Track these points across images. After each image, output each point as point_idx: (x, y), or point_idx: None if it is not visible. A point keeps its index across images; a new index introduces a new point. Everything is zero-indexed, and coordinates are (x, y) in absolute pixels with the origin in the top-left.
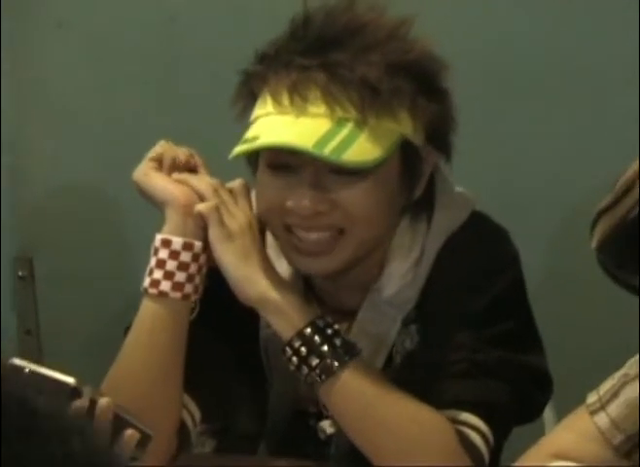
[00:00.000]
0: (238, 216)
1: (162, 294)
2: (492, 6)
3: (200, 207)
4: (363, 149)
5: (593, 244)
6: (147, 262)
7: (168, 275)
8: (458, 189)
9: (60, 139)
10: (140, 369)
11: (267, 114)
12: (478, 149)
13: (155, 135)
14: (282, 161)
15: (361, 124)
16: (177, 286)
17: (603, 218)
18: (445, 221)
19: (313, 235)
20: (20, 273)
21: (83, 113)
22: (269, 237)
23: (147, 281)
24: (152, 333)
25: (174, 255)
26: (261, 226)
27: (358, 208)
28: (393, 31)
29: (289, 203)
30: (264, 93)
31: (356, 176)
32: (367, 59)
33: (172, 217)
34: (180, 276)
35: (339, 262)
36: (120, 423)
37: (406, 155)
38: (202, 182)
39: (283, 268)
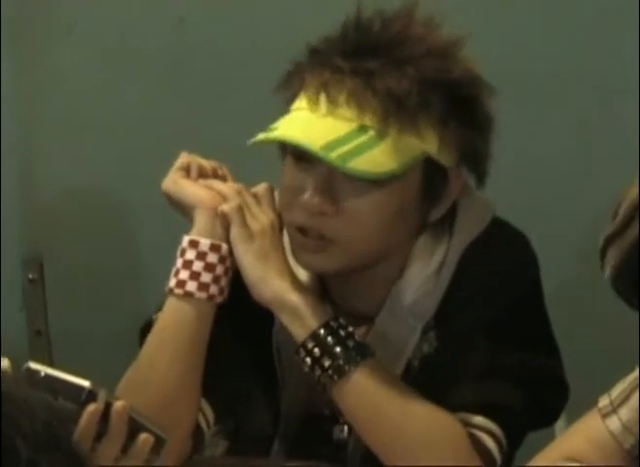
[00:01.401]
0: (260, 217)
1: (188, 294)
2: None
3: (224, 207)
4: (376, 159)
5: (606, 275)
6: (157, 264)
7: (195, 276)
8: (478, 195)
9: (71, 142)
10: (164, 367)
11: (300, 108)
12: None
13: (165, 137)
14: (301, 155)
15: (382, 134)
16: (203, 286)
17: (612, 246)
18: (467, 228)
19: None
20: (31, 276)
21: (93, 116)
22: (286, 239)
23: (173, 281)
24: (177, 332)
25: (201, 256)
26: (282, 227)
27: (361, 219)
28: (436, 48)
29: (299, 197)
30: (302, 86)
31: (369, 185)
32: (399, 71)
33: (200, 219)
34: (206, 277)
35: (334, 264)
36: (135, 426)
37: (428, 173)
38: (227, 185)
39: (300, 270)
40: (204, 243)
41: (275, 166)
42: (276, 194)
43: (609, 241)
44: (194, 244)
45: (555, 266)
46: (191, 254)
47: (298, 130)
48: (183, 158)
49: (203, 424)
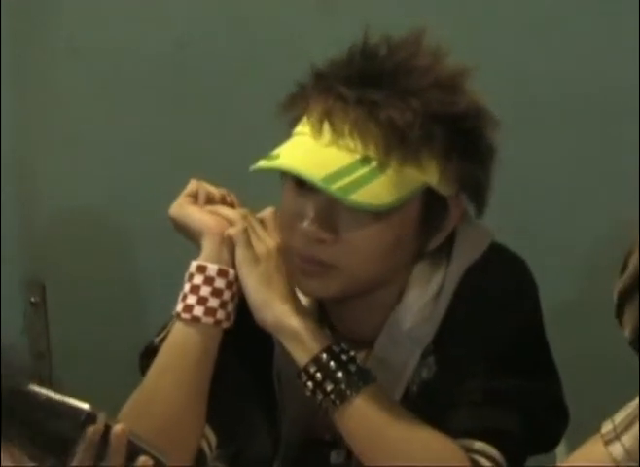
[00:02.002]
0: (266, 241)
1: (195, 319)
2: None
3: (230, 231)
4: (377, 192)
5: (626, 334)
6: (158, 286)
7: (202, 301)
8: (476, 221)
9: (70, 163)
10: (169, 391)
11: (303, 134)
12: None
13: (165, 159)
14: (302, 182)
15: (383, 166)
16: (210, 312)
17: (629, 304)
18: (465, 254)
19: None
20: (32, 299)
21: (95, 138)
22: None
23: (180, 306)
24: (183, 356)
25: (209, 281)
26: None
27: (360, 248)
28: (442, 79)
29: (299, 224)
30: (307, 112)
31: (369, 216)
32: (403, 103)
33: (208, 245)
34: (213, 302)
35: (332, 290)
36: (134, 450)
37: (428, 203)
38: (233, 211)
39: (300, 293)
40: (212, 268)
41: (276, 189)
42: None
43: (624, 298)
44: (201, 269)
45: (554, 290)
46: (198, 279)
47: (300, 160)
48: (192, 184)
49: (206, 448)
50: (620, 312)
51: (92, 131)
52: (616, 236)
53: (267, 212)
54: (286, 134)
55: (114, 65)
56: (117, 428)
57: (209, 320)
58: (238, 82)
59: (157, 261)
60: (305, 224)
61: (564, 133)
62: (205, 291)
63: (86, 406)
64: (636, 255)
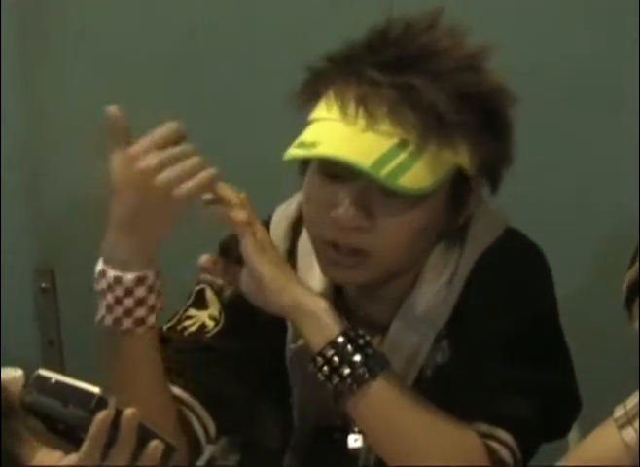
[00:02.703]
0: (266, 231)
1: (127, 331)
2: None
3: (237, 217)
4: (417, 176)
5: (636, 327)
6: (168, 272)
7: (127, 313)
8: (491, 206)
9: (80, 151)
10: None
11: (331, 119)
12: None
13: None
14: (336, 171)
15: (421, 149)
16: (139, 321)
17: (638, 298)
18: (479, 238)
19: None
20: (43, 285)
21: (101, 124)
22: (300, 251)
23: (109, 318)
24: (130, 367)
25: (129, 292)
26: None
27: (395, 234)
28: (467, 60)
29: (333, 213)
30: (329, 96)
31: (404, 201)
32: (438, 86)
33: (111, 242)
34: (140, 312)
35: (364, 277)
36: (145, 434)
37: (456, 185)
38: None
39: (314, 279)
40: (128, 279)
41: (287, 180)
42: (294, 200)
43: (633, 290)
44: (117, 280)
45: (569, 276)
46: (119, 290)
47: (342, 147)
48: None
49: (201, 433)
50: (629, 304)
51: (100, 118)
52: (632, 223)
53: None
54: (298, 121)
55: (124, 53)
56: (128, 412)
57: (141, 329)
58: (249, 69)
59: (165, 246)
60: (341, 211)
61: (579, 118)
62: (128, 303)
63: (97, 390)
64: None
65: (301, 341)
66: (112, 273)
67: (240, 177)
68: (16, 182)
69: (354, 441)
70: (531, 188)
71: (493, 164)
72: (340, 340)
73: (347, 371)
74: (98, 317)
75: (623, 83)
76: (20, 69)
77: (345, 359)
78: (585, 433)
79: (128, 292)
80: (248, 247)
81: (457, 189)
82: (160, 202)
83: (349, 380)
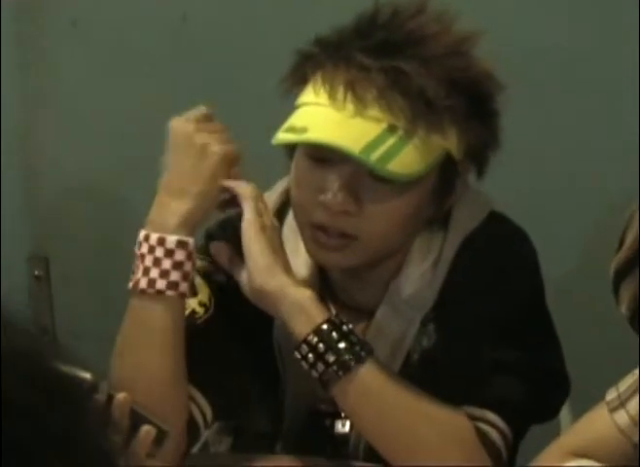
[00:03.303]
0: (271, 217)
1: (159, 292)
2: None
3: (244, 191)
4: (406, 161)
5: (623, 311)
6: None
7: (164, 274)
8: (475, 189)
9: (74, 139)
10: (150, 367)
11: (320, 104)
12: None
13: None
14: (324, 155)
15: (410, 134)
16: (172, 285)
17: (624, 282)
18: (463, 221)
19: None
20: (36, 273)
21: (97, 112)
22: (285, 237)
23: (144, 281)
24: (153, 332)
25: (169, 253)
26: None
27: (383, 219)
28: (455, 46)
29: (321, 197)
30: (317, 80)
31: (392, 186)
32: (427, 72)
33: (158, 207)
34: (175, 275)
35: (352, 261)
36: (137, 419)
37: (444, 170)
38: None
39: (300, 264)
40: (171, 241)
41: (280, 162)
42: (279, 185)
43: (620, 275)
44: (160, 242)
45: (555, 259)
46: (159, 252)
47: (331, 132)
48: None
49: (200, 420)
50: (616, 289)
51: (95, 105)
52: (623, 205)
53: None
54: (289, 106)
55: (117, 38)
56: (119, 397)
57: (173, 293)
58: (242, 54)
59: None
60: (330, 195)
61: (570, 99)
62: (167, 264)
63: (87, 375)
64: (633, 231)
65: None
66: (155, 235)
67: None
68: (11, 170)
69: (342, 426)
70: (521, 173)
71: (480, 150)
72: (325, 327)
73: (332, 358)
74: (132, 282)
75: (621, 68)
76: (17, 57)
77: (330, 346)
78: (577, 415)
79: (168, 253)
80: (248, 222)
81: (446, 174)
82: (211, 174)
83: (335, 367)
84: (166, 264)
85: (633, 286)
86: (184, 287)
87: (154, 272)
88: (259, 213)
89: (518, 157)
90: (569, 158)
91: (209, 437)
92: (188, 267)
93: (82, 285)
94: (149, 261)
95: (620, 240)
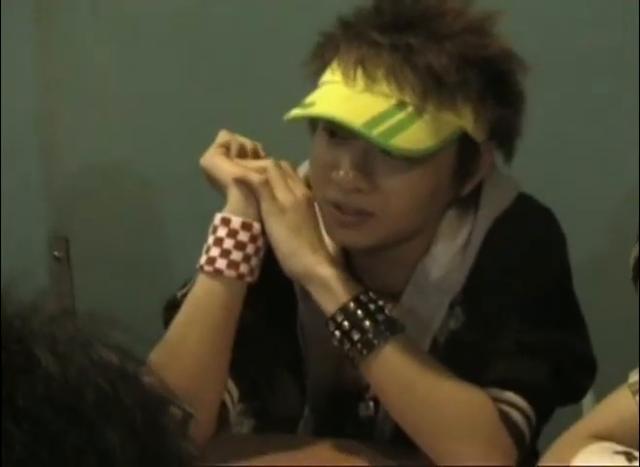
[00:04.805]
0: (295, 191)
1: (218, 271)
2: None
3: (253, 178)
4: (415, 136)
5: None
6: (184, 241)
7: (225, 253)
8: (503, 171)
9: (96, 120)
10: (193, 345)
11: (334, 82)
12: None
13: (186, 115)
14: (337, 130)
15: (420, 111)
16: (233, 265)
17: None
18: (493, 204)
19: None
20: (57, 254)
21: (116, 93)
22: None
23: (203, 259)
24: (206, 310)
25: (232, 234)
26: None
27: (398, 196)
28: (473, 23)
29: (334, 174)
30: (335, 60)
31: (405, 163)
32: (438, 47)
33: (233, 197)
34: (236, 255)
35: (370, 239)
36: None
37: (463, 149)
38: (257, 161)
39: (327, 243)
40: (236, 221)
41: (300, 141)
42: (301, 169)
43: (638, 266)
44: (225, 222)
45: (582, 241)
46: (222, 232)
47: (337, 107)
48: (224, 135)
49: (228, 402)
50: (636, 277)
51: (116, 86)
52: None
53: (286, 164)
54: (309, 85)
55: (136, 21)
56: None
57: (232, 273)
58: (258, 38)
59: (183, 215)
60: (341, 173)
61: (590, 85)
62: (229, 244)
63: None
64: None
65: (309, 308)
66: (220, 216)
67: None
68: (30, 151)
69: (365, 408)
70: (548, 152)
71: (503, 131)
72: (351, 305)
73: (357, 336)
74: (200, 262)
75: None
76: (35, 41)
77: (356, 325)
78: (600, 397)
79: (232, 233)
80: (264, 210)
81: (464, 153)
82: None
83: (359, 345)
84: (229, 243)
85: None
86: (244, 268)
87: (214, 252)
88: (273, 196)
89: (544, 137)
90: (597, 141)
91: (232, 419)
92: (250, 249)
93: (102, 266)
94: (211, 240)
95: (639, 231)
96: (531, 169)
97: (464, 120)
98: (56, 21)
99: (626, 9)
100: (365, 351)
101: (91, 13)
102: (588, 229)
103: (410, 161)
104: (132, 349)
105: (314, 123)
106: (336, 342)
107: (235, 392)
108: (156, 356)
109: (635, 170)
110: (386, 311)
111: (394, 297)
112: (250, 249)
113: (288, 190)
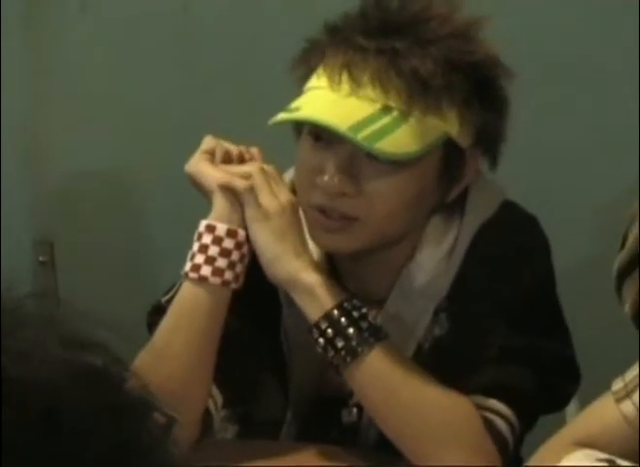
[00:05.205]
0: (278, 196)
1: (202, 278)
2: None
3: (237, 185)
4: (401, 140)
5: (626, 309)
6: (168, 246)
7: (209, 260)
8: (488, 178)
9: (81, 124)
10: (179, 351)
11: (319, 87)
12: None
13: (176, 119)
14: (323, 136)
15: (405, 115)
16: (217, 272)
17: (628, 280)
18: (478, 210)
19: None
20: (41, 258)
21: (102, 97)
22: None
23: (188, 265)
24: (191, 317)
25: (217, 241)
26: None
27: (383, 200)
28: (459, 29)
29: (319, 178)
30: (320, 66)
31: (391, 167)
32: (424, 52)
33: (218, 204)
34: (221, 262)
35: (355, 244)
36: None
37: (448, 154)
38: (242, 167)
39: (312, 249)
40: (221, 228)
41: (287, 146)
42: (287, 175)
43: (623, 272)
44: (210, 229)
45: (566, 248)
46: (207, 238)
47: (322, 111)
48: (208, 141)
49: (212, 408)
50: (619, 288)
51: (101, 91)
52: (633, 193)
53: (271, 167)
54: (295, 91)
55: (123, 24)
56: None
57: (217, 280)
58: (241, 43)
59: (166, 220)
60: (326, 178)
61: (578, 89)
62: (214, 251)
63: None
64: (634, 232)
65: (293, 314)
66: (205, 223)
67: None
68: (15, 155)
69: (348, 415)
70: (531, 158)
71: (488, 136)
72: (335, 312)
73: (341, 343)
74: (185, 269)
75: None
76: (21, 41)
77: (339, 332)
78: (583, 405)
79: (216, 241)
80: (248, 216)
81: (450, 159)
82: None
83: (343, 353)
84: (214, 251)
85: (635, 286)
86: (229, 275)
87: (199, 259)
88: (257, 202)
89: (528, 144)
90: (580, 143)
91: (215, 424)
92: (235, 256)
93: (87, 270)
94: (196, 247)
95: (622, 239)
96: (516, 175)
97: (449, 124)
98: (44, 24)
99: (626, 9)
100: (348, 358)
101: (80, 12)
102: (573, 235)
103: (396, 165)
104: (117, 353)
105: (299, 127)
106: (319, 349)
107: (219, 398)
108: (141, 361)
109: (620, 177)
110: (370, 318)
111: (379, 302)
112: (235, 256)
113: (272, 195)
